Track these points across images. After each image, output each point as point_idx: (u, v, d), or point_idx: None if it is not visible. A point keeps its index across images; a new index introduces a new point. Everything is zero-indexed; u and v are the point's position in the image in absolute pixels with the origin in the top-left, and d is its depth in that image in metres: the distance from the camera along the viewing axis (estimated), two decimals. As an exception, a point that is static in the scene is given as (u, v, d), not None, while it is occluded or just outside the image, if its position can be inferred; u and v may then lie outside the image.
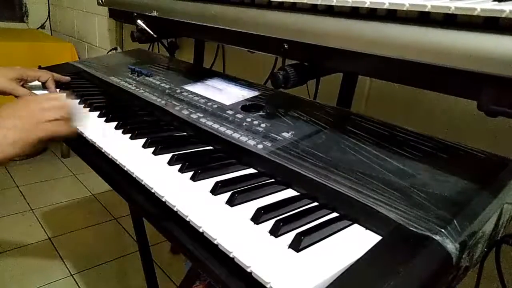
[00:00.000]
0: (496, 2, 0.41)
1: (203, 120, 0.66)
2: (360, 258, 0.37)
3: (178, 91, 0.80)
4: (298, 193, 0.50)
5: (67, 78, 0.92)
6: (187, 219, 0.43)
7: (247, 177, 0.53)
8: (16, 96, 0.82)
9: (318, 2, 0.56)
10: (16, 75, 0.83)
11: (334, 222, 0.43)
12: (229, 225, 0.42)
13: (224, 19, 0.73)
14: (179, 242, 0.43)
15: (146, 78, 0.90)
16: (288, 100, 0.73)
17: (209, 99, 0.74)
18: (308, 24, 0.58)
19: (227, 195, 0.47)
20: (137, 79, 0.90)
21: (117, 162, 0.56)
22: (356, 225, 0.43)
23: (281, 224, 0.41)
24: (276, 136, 0.58)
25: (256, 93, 0.76)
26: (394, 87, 0.88)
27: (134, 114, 0.76)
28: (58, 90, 0.88)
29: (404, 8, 0.47)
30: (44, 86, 0.88)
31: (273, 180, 0.52)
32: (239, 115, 0.67)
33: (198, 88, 0.81)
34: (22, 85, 0.84)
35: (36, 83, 0.88)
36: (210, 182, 0.50)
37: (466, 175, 0.46)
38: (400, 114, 0.89)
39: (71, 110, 0.63)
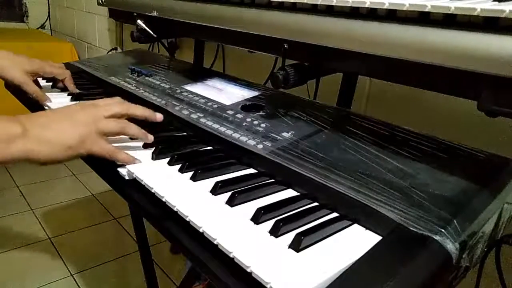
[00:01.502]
0: (496, 2, 0.41)
1: (203, 120, 0.66)
2: (360, 258, 0.37)
3: (178, 91, 0.80)
4: (298, 193, 0.50)
5: (75, 89, 0.86)
6: (187, 219, 0.43)
7: (247, 177, 0.53)
8: (24, 92, 0.79)
9: (318, 2, 0.56)
10: (32, 69, 0.79)
11: (334, 222, 0.43)
12: (229, 225, 0.42)
13: (224, 19, 0.73)
14: (179, 242, 0.43)
15: (146, 78, 0.90)
16: (288, 100, 0.73)
17: (209, 99, 0.74)
18: (308, 24, 0.58)
19: (227, 195, 0.47)
20: (137, 79, 0.90)
21: (117, 162, 0.56)
22: (356, 225, 0.43)
23: (281, 224, 0.41)
24: (276, 136, 0.58)
25: (256, 93, 0.76)
26: (394, 87, 0.88)
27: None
28: (57, 91, 0.87)
29: (404, 8, 0.47)
30: (55, 85, 0.86)
31: (273, 180, 0.52)
32: (239, 115, 0.67)
33: (198, 88, 0.81)
34: (36, 80, 0.81)
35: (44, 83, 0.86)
36: (210, 182, 0.50)
37: (466, 175, 0.46)
38: (400, 114, 0.89)
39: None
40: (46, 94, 0.80)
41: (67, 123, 0.55)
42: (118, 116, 0.59)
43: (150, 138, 0.60)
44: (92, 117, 0.56)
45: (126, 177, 0.53)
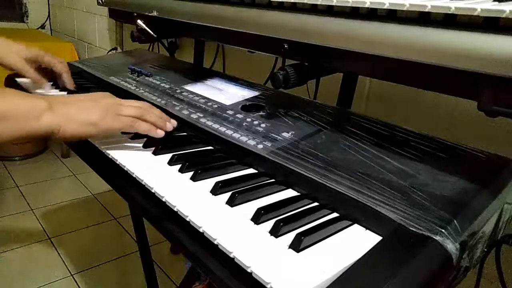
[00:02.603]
0: (496, 2, 0.41)
1: (203, 120, 0.66)
2: (360, 258, 0.37)
3: (178, 91, 0.80)
4: (298, 193, 0.50)
5: (73, 85, 0.87)
6: (187, 219, 0.43)
7: (247, 177, 0.53)
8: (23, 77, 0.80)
9: (318, 2, 0.56)
10: (31, 55, 0.80)
11: (334, 222, 0.43)
12: (229, 225, 0.42)
13: (224, 19, 0.73)
14: (179, 242, 0.43)
15: (146, 78, 0.90)
16: (288, 100, 0.73)
17: (209, 99, 0.74)
18: (308, 24, 0.58)
19: (227, 195, 0.47)
20: (137, 79, 0.90)
21: (117, 162, 0.56)
22: (356, 225, 0.43)
23: (281, 224, 0.41)
24: (276, 136, 0.58)
25: (256, 93, 0.76)
26: (394, 87, 0.88)
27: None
28: (56, 90, 0.87)
29: (404, 8, 0.47)
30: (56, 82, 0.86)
31: (273, 180, 0.52)
32: (239, 115, 0.67)
33: (198, 88, 0.81)
34: (37, 68, 0.81)
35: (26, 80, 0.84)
36: (210, 182, 0.50)
37: (466, 175, 0.46)
38: (400, 114, 0.89)
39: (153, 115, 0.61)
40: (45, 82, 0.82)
41: (89, 103, 0.58)
42: (135, 111, 0.60)
43: (169, 127, 0.62)
44: (113, 102, 0.60)
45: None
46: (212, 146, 0.62)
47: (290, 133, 0.59)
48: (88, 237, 1.66)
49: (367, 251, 0.37)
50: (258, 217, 0.43)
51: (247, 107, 0.70)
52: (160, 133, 0.60)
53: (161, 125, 0.61)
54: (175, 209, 0.45)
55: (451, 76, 0.46)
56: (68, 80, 0.86)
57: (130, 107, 0.60)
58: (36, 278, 1.38)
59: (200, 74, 0.92)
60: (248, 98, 0.73)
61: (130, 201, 0.54)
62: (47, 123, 0.53)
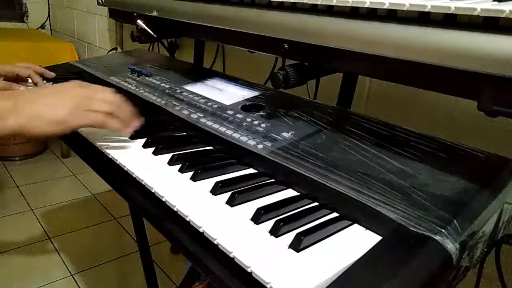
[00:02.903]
0: (496, 2, 0.41)
1: (203, 120, 0.66)
2: (360, 258, 0.37)
3: (178, 91, 0.80)
4: (298, 193, 0.50)
5: (52, 74, 0.90)
6: (187, 219, 0.43)
7: (247, 177, 0.53)
8: None
9: (318, 2, 0.56)
10: None
11: (334, 222, 0.43)
12: (229, 225, 0.42)
13: (224, 19, 0.73)
14: (179, 242, 0.43)
15: (146, 78, 0.90)
16: (288, 100, 0.73)
17: (209, 99, 0.74)
18: (308, 24, 0.58)
19: (227, 195, 0.47)
20: (137, 79, 0.90)
21: (117, 162, 0.56)
22: (356, 225, 0.43)
23: (281, 224, 0.41)
24: (276, 136, 0.58)
25: (256, 93, 0.76)
26: (394, 87, 0.88)
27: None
28: (45, 82, 0.88)
29: (404, 8, 0.47)
30: (34, 83, 0.86)
31: (273, 180, 0.52)
32: (239, 115, 0.67)
33: (198, 88, 0.81)
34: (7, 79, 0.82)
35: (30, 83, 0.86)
36: (210, 182, 0.50)
37: (466, 175, 0.46)
38: (400, 114, 0.89)
39: (123, 110, 0.58)
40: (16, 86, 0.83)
41: (57, 97, 0.55)
42: (107, 107, 0.58)
43: (132, 127, 0.60)
44: (84, 94, 0.56)
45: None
46: (212, 146, 0.62)
47: (290, 133, 0.59)
48: (88, 237, 1.66)
49: (367, 251, 0.37)
50: (258, 217, 0.43)
51: (247, 107, 0.70)
52: (130, 131, 0.59)
53: (131, 123, 0.59)
54: (175, 209, 0.45)
55: (451, 76, 0.46)
56: (38, 79, 0.87)
57: (101, 102, 0.57)
58: (36, 278, 1.38)
59: (200, 74, 0.92)
60: (248, 98, 0.73)
61: (130, 201, 0.54)
62: (12, 123, 0.51)
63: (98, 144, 0.61)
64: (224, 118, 0.66)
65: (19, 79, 0.86)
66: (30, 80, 0.87)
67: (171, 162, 0.56)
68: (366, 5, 0.50)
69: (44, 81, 0.89)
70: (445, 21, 0.45)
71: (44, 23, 2.87)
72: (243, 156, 0.57)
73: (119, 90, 0.85)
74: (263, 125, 0.62)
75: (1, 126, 0.51)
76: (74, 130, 0.56)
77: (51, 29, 2.91)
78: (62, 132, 0.55)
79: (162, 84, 0.85)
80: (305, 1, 0.58)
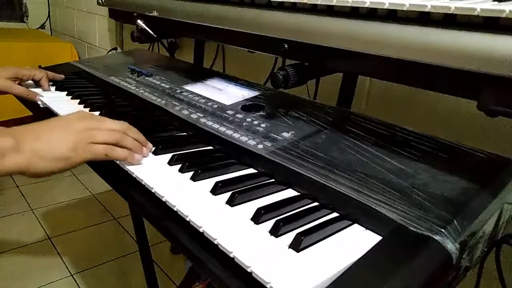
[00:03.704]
0: (496, 2, 0.41)
1: (203, 120, 0.66)
2: (360, 258, 0.37)
3: (178, 91, 0.80)
4: (298, 193, 0.50)
5: (61, 76, 0.92)
6: (187, 219, 0.43)
7: (247, 177, 0.53)
8: (14, 95, 0.82)
9: (318, 2, 0.56)
10: (11, 74, 0.82)
11: (334, 222, 0.43)
12: (229, 225, 0.42)
13: (224, 19, 0.73)
14: (179, 242, 0.43)
15: (146, 78, 0.90)
16: (288, 100, 0.73)
17: (209, 99, 0.74)
18: (308, 24, 0.58)
19: (227, 195, 0.47)
20: (137, 79, 0.90)
21: (117, 162, 0.56)
22: (356, 225, 0.43)
23: (281, 224, 0.41)
24: (276, 136, 0.58)
25: (256, 93, 0.76)
26: (394, 87, 0.88)
27: (135, 115, 0.76)
28: (53, 88, 0.88)
29: (404, 8, 0.47)
30: (37, 85, 0.88)
31: (273, 180, 0.52)
32: (239, 115, 0.67)
33: (198, 88, 0.81)
34: (19, 84, 0.83)
35: (30, 82, 0.88)
36: (210, 182, 0.50)
37: (466, 175, 0.46)
38: (400, 114, 0.89)
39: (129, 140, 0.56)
40: (34, 90, 0.83)
41: (59, 132, 0.53)
42: (111, 137, 0.55)
43: (145, 152, 0.57)
44: (86, 126, 0.54)
45: None
46: (212, 146, 0.62)
47: (290, 133, 0.59)
48: (88, 237, 1.65)
49: (367, 251, 0.37)
50: (258, 217, 0.43)
51: (247, 107, 0.70)
52: (138, 159, 0.55)
53: (139, 150, 0.56)
54: (175, 209, 0.45)
55: (451, 76, 0.46)
56: (45, 84, 0.87)
57: (105, 132, 0.55)
58: (36, 278, 1.38)
59: (200, 74, 0.92)
60: (248, 98, 0.73)
61: (130, 201, 0.54)
62: (12, 163, 0.49)
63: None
64: (224, 118, 0.66)
65: (22, 80, 0.86)
66: (31, 82, 0.87)
67: (171, 162, 0.56)
68: (366, 5, 0.50)
69: (51, 83, 0.89)
70: (445, 21, 0.45)
71: (44, 23, 2.87)
72: (243, 156, 0.57)
73: (119, 90, 0.85)
74: (263, 125, 0.62)
75: (0, 165, 0.48)
76: (79, 165, 0.54)
77: (51, 29, 2.91)
78: (66, 169, 0.53)
79: (162, 84, 0.85)
80: (305, 1, 0.58)
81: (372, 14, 0.51)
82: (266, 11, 0.65)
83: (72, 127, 0.54)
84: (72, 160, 0.52)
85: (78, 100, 0.80)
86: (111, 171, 0.57)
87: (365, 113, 0.65)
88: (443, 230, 0.38)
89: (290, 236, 0.40)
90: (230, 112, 0.68)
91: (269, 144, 0.56)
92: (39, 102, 0.80)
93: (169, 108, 0.72)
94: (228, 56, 1.36)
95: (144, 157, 0.57)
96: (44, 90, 0.86)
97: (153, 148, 0.59)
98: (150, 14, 0.96)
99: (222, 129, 0.62)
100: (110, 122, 0.57)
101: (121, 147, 0.55)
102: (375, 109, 0.95)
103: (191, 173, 0.52)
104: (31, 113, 0.86)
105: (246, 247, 0.38)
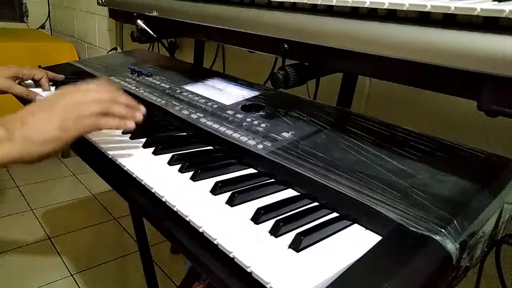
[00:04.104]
0: (496, 2, 0.41)
1: (203, 120, 0.66)
2: (360, 258, 0.37)
3: (178, 91, 0.80)
4: (298, 193, 0.50)
5: (62, 76, 0.92)
6: (187, 219, 0.43)
7: (247, 177, 0.53)
8: (14, 95, 0.82)
9: (318, 2, 0.56)
10: (12, 74, 0.82)
11: (334, 222, 0.43)
12: (229, 225, 0.42)
13: (224, 19, 0.73)
14: (179, 242, 0.43)
15: (146, 78, 0.90)
16: (288, 100, 0.73)
17: (209, 99, 0.74)
18: (308, 24, 0.58)
19: (227, 195, 0.47)
20: (137, 79, 0.90)
21: (117, 162, 0.56)
22: (356, 225, 0.43)
23: (281, 224, 0.41)
24: (276, 136, 0.58)
25: (256, 93, 0.76)
26: (394, 87, 0.88)
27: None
28: (53, 88, 0.88)
29: (404, 8, 0.47)
30: (37, 84, 0.88)
31: (273, 180, 0.52)
32: (239, 115, 0.67)
33: (198, 88, 0.81)
34: (19, 83, 0.84)
35: (30, 82, 0.88)
36: (210, 182, 0.50)
37: (466, 175, 0.46)
38: (400, 114, 0.89)
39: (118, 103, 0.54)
40: (34, 90, 0.84)
41: (43, 114, 0.51)
42: (99, 107, 0.54)
43: (138, 116, 0.55)
44: (72, 102, 0.53)
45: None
46: (212, 146, 0.62)
47: (290, 133, 0.59)
48: (88, 237, 1.65)
49: (367, 251, 0.37)
50: (258, 217, 0.43)
51: (247, 107, 0.70)
52: (131, 126, 0.54)
53: (130, 116, 0.55)
54: (175, 209, 0.45)
55: (451, 76, 0.46)
56: (45, 84, 0.87)
57: (92, 103, 0.53)
58: (36, 278, 1.38)
59: (200, 74, 0.92)
60: (248, 98, 0.73)
61: (130, 201, 0.54)
62: (6, 153, 0.48)
63: (98, 144, 0.61)
64: (224, 118, 0.66)
65: (22, 80, 0.86)
66: (30, 81, 0.88)
67: (171, 162, 0.56)
68: (366, 5, 0.50)
69: (51, 83, 0.89)
70: (445, 21, 0.45)
71: (44, 23, 2.87)
72: (243, 156, 0.57)
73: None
74: (263, 125, 0.62)
75: None
76: (72, 141, 0.52)
77: (51, 29, 2.91)
78: (60, 148, 0.52)
79: (162, 84, 0.85)
80: (305, 1, 0.58)
81: (372, 14, 0.51)
82: (266, 11, 0.65)
83: (56, 106, 0.52)
84: (63, 139, 0.51)
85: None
86: (111, 171, 0.57)
87: (365, 113, 0.65)
88: (443, 230, 0.38)
89: (290, 236, 0.40)
90: (230, 112, 0.68)
91: (269, 144, 0.56)
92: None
93: (169, 108, 0.72)
94: (228, 56, 1.36)
95: (138, 120, 0.55)
96: (44, 90, 0.87)
97: (153, 148, 0.59)
98: (150, 14, 0.96)
99: (222, 129, 0.62)
100: (94, 92, 0.55)
101: (111, 114, 0.54)
102: (375, 109, 0.95)
103: (191, 173, 0.52)
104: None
105: (246, 247, 0.38)
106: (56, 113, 0.51)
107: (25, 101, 0.83)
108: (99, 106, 0.53)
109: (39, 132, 0.50)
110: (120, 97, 0.56)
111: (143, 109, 0.57)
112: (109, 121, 0.53)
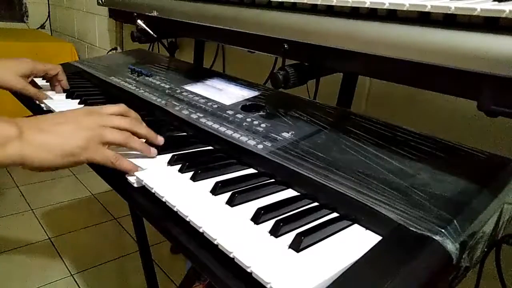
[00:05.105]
0: (496, 2, 0.41)
1: (203, 120, 0.66)
2: (360, 258, 0.37)
3: (178, 91, 0.80)
4: (298, 193, 0.50)
5: (67, 86, 0.86)
6: (187, 219, 0.43)
7: (247, 177, 0.53)
8: (25, 96, 0.79)
9: (318, 2, 0.56)
10: (26, 70, 0.78)
11: (334, 222, 0.43)
12: (229, 225, 0.42)
13: (224, 19, 0.73)
14: (179, 242, 0.43)
15: (146, 78, 0.90)
16: (288, 100, 0.73)
17: (209, 99, 0.74)
18: (308, 24, 0.58)
19: (227, 195, 0.47)
20: (137, 79, 0.90)
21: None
22: (356, 225, 0.43)
23: (281, 224, 0.41)
24: (276, 136, 0.58)
25: (256, 93, 0.76)
26: (394, 87, 0.88)
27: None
28: (64, 95, 0.87)
29: (404, 8, 0.47)
30: (47, 81, 0.86)
31: (273, 180, 0.52)
32: (239, 115, 0.67)
33: (198, 88, 0.81)
34: (32, 81, 0.81)
35: (41, 82, 0.86)
36: (210, 182, 0.50)
37: (466, 175, 0.46)
38: (400, 114, 0.89)
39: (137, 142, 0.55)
40: (45, 92, 0.81)
41: (70, 126, 0.51)
42: (122, 129, 0.55)
43: (153, 152, 0.57)
44: (97, 124, 0.53)
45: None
46: (212, 146, 0.62)
47: (290, 133, 0.59)
48: (88, 237, 1.66)
49: (367, 251, 0.37)
50: (258, 217, 0.43)
51: (247, 107, 0.70)
52: (153, 153, 0.56)
53: (145, 152, 0.56)
54: (175, 209, 0.45)
55: (451, 76, 0.46)
56: (64, 77, 0.84)
57: (114, 132, 0.54)
58: (36, 278, 1.38)
59: (200, 74, 0.92)
60: (248, 98, 0.73)
61: (130, 201, 0.54)
62: (13, 152, 0.47)
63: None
64: (224, 118, 0.66)
65: (36, 76, 0.83)
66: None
67: (171, 162, 0.56)
68: (366, 5, 0.50)
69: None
70: (445, 21, 0.45)
71: (44, 23, 2.87)
72: (243, 156, 0.57)
73: (119, 90, 0.85)
74: (263, 125, 0.62)
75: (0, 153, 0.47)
76: (80, 164, 0.52)
77: (51, 29, 2.91)
78: (69, 166, 0.51)
79: (162, 84, 0.85)
80: (305, 1, 0.58)
81: (372, 14, 0.51)
82: (266, 11, 0.65)
83: (82, 123, 0.52)
84: (79, 157, 0.51)
85: (78, 100, 0.80)
86: (111, 171, 0.57)
87: (365, 113, 0.65)
88: (443, 230, 0.38)
89: (290, 236, 0.40)
90: (230, 112, 0.68)
91: (269, 144, 0.56)
92: (42, 105, 0.78)
93: (169, 108, 0.72)
94: (228, 56, 1.36)
95: (153, 156, 0.56)
96: (57, 92, 0.84)
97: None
98: (150, 14, 0.96)
99: (222, 129, 0.62)
100: (118, 119, 0.55)
101: (129, 147, 0.55)
102: (375, 109, 0.95)
103: (191, 173, 0.52)
104: (31, 114, 0.85)
105: (246, 247, 0.38)
106: (83, 131, 0.51)
107: (25, 99, 0.81)
108: (121, 136, 0.54)
109: (61, 143, 0.50)
110: (140, 128, 0.57)
111: (161, 139, 0.59)
112: (125, 164, 0.53)
